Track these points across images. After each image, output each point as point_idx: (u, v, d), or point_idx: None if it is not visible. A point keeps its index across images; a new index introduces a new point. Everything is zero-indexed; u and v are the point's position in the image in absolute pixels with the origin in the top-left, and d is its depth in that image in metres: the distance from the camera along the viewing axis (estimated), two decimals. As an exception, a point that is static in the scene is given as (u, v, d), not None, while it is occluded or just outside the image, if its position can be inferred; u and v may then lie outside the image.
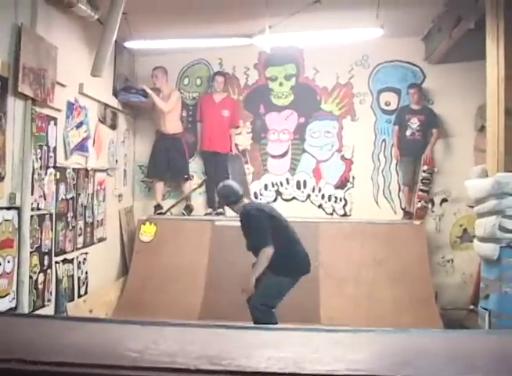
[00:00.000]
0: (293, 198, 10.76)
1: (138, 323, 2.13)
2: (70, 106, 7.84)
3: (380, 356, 1.82)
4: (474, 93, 9.06)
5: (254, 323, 7.06)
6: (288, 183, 10.77)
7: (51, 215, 7.23)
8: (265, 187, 10.79)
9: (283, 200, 10.76)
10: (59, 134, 7.48)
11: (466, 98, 9.68)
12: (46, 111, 7.01)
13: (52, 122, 7.22)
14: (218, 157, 10.52)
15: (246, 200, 7.87)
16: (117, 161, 9.88)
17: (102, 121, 9.16)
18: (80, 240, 8.25)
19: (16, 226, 6.29)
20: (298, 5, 7.98)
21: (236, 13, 8.60)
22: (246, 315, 7.37)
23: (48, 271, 7.19)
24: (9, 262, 6.14)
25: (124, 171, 10.42)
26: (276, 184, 10.79)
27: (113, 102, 9.61)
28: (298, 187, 10.75)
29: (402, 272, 9.15)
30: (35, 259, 6.77)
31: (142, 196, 10.98)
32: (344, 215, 10.63)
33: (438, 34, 9.12)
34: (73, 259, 8.03)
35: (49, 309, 7.23)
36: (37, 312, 6.82)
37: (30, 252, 6.57)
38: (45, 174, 7.02)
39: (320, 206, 10.70)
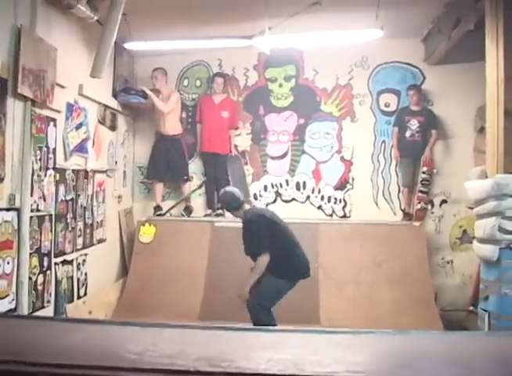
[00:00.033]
0: (293, 199, 10.76)
1: (138, 325, 2.13)
2: (70, 108, 7.84)
3: (380, 357, 1.82)
4: (473, 94, 9.06)
5: (253, 323, 7.21)
6: (288, 184, 10.77)
7: (50, 216, 7.22)
8: (265, 188, 10.79)
9: (283, 201, 10.76)
10: (59, 135, 7.48)
11: (466, 99, 9.68)
12: (46, 112, 7.00)
13: (52, 123, 7.21)
14: (217, 158, 10.52)
15: (247, 206, 7.97)
16: (116, 162, 9.88)
17: (102, 122, 9.16)
18: (79, 241, 8.25)
19: (16, 227, 6.29)
20: (298, 7, 7.98)
21: (236, 14, 8.60)
22: (245, 316, 7.40)
23: (48, 272, 7.19)
24: (8, 263, 6.13)
25: (124, 172, 10.42)
26: (276, 185, 10.79)
27: (113, 103, 9.61)
28: (298, 188, 10.75)
29: (401, 274, 9.15)
30: (35, 260, 6.77)
31: (141, 197, 10.98)
32: (344, 216, 10.63)
33: (437, 35, 9.13)
34: (72, 260, 8.02)
35: (49, 310, 7.22)
36: (37, 313, 6.81)
37: (30, 253, 6.56)
38: (45, 175, 7.02)
39: (320, 207, 10.70)
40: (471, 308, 8.40)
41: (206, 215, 10.58)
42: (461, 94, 9.78)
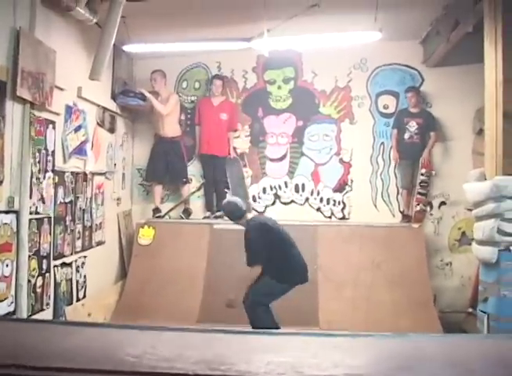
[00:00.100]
0: (292, 201, 10.76)
1: (137, 328, 2.14)
2: (69, 110, 7.83)
3: (379, 360, 1.82)
4: (472, 96, 9.07)
5: (251, 320, 7.45)
6: (286, 186, 10.78)
7: (49, 218, 7.21)
8: (264, 190, 10.79)
9: (282, 203, 10.76)
10: (58, 138, 7.47)
11: (465, 101, 9.70)
12: (45, 115, 7.00)
13: (51, 126, 7.21)
14: (216, 160, 10.52)
15: (250, 215, 8.10)
16: (115, 165, 9.87)
17: (101, 124, 9.15)
18: (78, 243, 8.24)
19: (15, 230, 6.28)
20: (297, 9, 7.98)
21: (235, 17, 8.61)
22: (244, 318, 7.45)
23: (47, 275, 7.18)
24: (7, 265, 6.13)
25: (123, 174, 10.42)
26: (275, 187, 10.79)
27: (112, 105, 9.60)
28: (297, 190, 10.75)
29: (400, 276, 9.15)
30: (34, 263, 6.76)
31: (140, 199, 10.98)
32: (343, 218, 10.63)
33: (436, 37, 9.14)
34: (71, 263, 8.01)
35: (48, 313, 7.21)
36: (36, 316, 6.81)
37: (29, 256, 6.55)
38: (44, 178, 7.01)
39: (319, 209, 10.70)
40: (470, 310, 8.40)
41: (205, 218, 10.58)
42: (460, 96, 9.80)
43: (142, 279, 9.52)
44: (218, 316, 8.30)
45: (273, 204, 10.75)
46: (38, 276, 6.91)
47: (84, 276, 8.46)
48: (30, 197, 6.58)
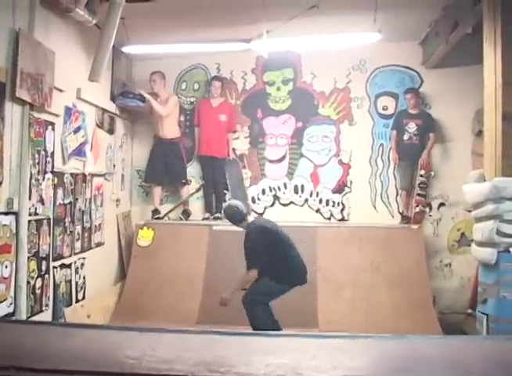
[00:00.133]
0: (291, 203, 10.76)
1: (136, 330, 2.13)
2: (68, 111, 7.83)
3: (378, 362, 1.82)
4: (471, 97, 9.08)
5: (249, 319, 7.55)
6: (286, 188, 10.77)
7: (49, 219, 7.21)
8: (263, 192, 10.79)
9: (281, 204, 10.76)
10: (57, 139, 7.47)
11: (464, 102, 9.69)
12: (44, 116, 7.00)
13: (50, 127, 7.21)
14: (215, 161, 10.52)
15: (250, 218, 8.20)
16: (114, 166, 9.87)
17: (100, 125, 9.15)
18: (78, 244, 8.24)
19: (14, 231, 6.28)
20: (296, 10, 7.98)
21: (234, 18, 8.61)
22: (244, 319, 7.45)
23: (46, 276, 7.17)
24: (6, 267, 6.12)
25: (122, 175, 10.41)
26: (274, 189, 10.79)
27: (111, 107, 9.60)
28: (296, 192, 10.75)
29: (399, 277, 9.15)
30: (33, 264, 6.75)
31: (139, 200, 10.97)
32: (342, 219, 10.63)
33: (435, 38, 9.14)
34: (70, 264, 8.01)
35: (47, 314, 7.21)
36: (35, 317, 6.80)
37: (28, 257, 6.55)
38: (43, 179, 7.01)
39: (318, 210, 10.70)
40: (469, 311, 8.40)
41: (204, 219, 10.57)
42: (459, 97, 9.80)
43: (141, 280, 9.52)
44: (218, 318, 8.30)
45: (272, 205, 10.75)
46: (37, 277, 6.91)
47: (84, 278, 8.46)
48: (30, 199, 6.58)
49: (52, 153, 7.29)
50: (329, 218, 10.67)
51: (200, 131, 10.66)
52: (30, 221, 6.58)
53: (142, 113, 10.44)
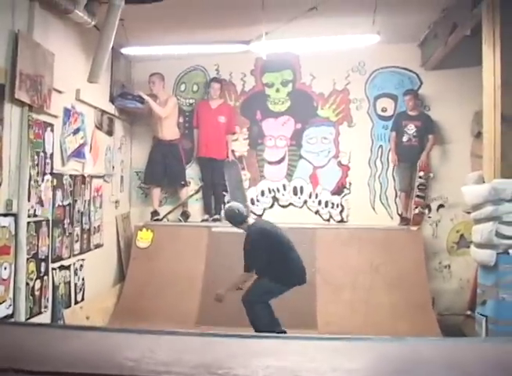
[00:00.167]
0: (290, 204, 10.76)
1: (135, 332, 2.13)
2: (67, 113, 7.84)
3: (377, 364, 1.82)
4: (470, 99, 9.07)
5: (249, 318, 7.65)
6: (285, 189, 10.77)
7: (48, 221, 7.22)
8: (262, 193, 10.79)
9: (280, 206, 10.76)
10: (56, 140, 7.47)
11: (463, 104, 9.70)
12: (43, 118, 7.00)
13: (49, 128, 7.21)
14: (214, 163, 10.52)
15: (251, 220, 8.25)
16: (113, 168, 9.87)
17: (99, 127, 9.15)
18: (77, 246, 8.24)
19: (13, 233, 6.28)
20: (295, 12, 7.98)
21: (233, 20, 8.61)
22: (243, 320, 7.47)
23: (45, 278, 7.18)
24: (5, 268, 6.13)
25: (121, 177, 10.42)
26: (273, 190, 10.79)
27: (110, 108, 9.61)
28: (295, 193, 10.75)
29: (398, 278, 9.15)
30: (32, 266, 6.76)
31: (138, 202, 10.97)
32: (341, 220, 10.63)
33: (434, 40, 9.14)
34: (69, 266, 8.01)
35: (46, 316, 7.21)
36: (34, 318, 6.80)
37: (27, 259, 6.55)
38: (42, 180, 7.01)
39: (317, 212, 10.70)
40: (469, 312, 8.39)
41: (203, 220, 10.57)
42: (458, 99, 9.80)
43: (140, 282, 9.52)
44: (217, 319, 8.34)
45: (271, 206, 10.75)
46: (36, 278, 6.91)
47: (83, 279, 8.46)
48: (29, 200, 6.59)
49: (51, 155, 7.29)
50: (328, 220, 10.67)
51: (199, 133, 10.65)
52: (29, 222, 6.59)
53: (141, 114, 10.44)
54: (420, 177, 9.96)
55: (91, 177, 8.77)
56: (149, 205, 10.73)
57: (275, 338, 2.36)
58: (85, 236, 8.56)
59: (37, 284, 6.93)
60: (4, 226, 6.10)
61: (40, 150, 6.93)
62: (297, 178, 10.74)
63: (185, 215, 10.59)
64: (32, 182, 6.68)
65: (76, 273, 8.24)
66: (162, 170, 10.37)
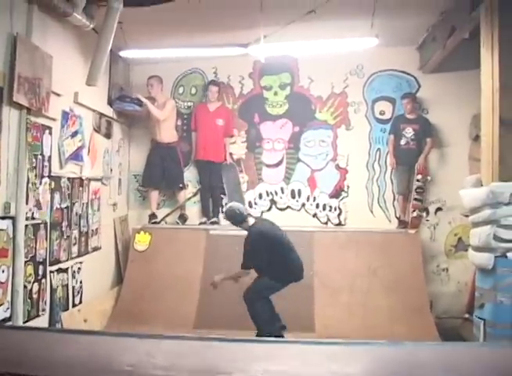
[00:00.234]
0: (288, 207, 10.75)
1: (133, 336, 2.13)
2: (65, 116, 7.83)
3: (375, 369, 1.82)
4: (468, 102, 9.09)
5: (250, 314, 7.79)
6: (283, 192, 10.77)
7: (45, 224, 7.20)
8: (260, 196, 10.78)
9: (278, 209, 10.75)
10: (54, 143, 7.46)
11: (461, 107, 9.70)
12: (41, 120, 6.99)
13: (47, 131, 7.20)
14: (212, 166, 10.52)
15: (251, 219, 8.30)
16: (111, 170, 9.86)
17: (97, 130, 9.15)
18: (74, 249, 8.23)
19: (11, 236, 6.27)
20: (293, 15, 7.98)
21: (231, 23, 8.60)
22: (241, 323, 7.49)
23: (43, 280, 7.17)
24: (3, 271, 6.12)
25: (119, 180, 10.40)
26: (271, 193, 10.78)
27: (108, 111, 9.60)
28: (293, 196, 10.74)
29: (396, 281, 9.14)
30: (30, 269, 6.75)
31: (136, 205, 10.97)
32: (339, 224, 10.63)
33: (432, 43, 9.15)
34: (67, 268, 8.00)
35: (44, 319, 7.20)
36: (32, 321, 6.80)
37: (25, 262, 6.55)
38: (40, 183, 7.01)
39: (315, 215, 10.70)
40: (467, 315, 8.39)
41: (201, 223, 10.57)
42: (456, 102, 9.80)
43: (138, 284, 9.50)
44: (215, 322, 8.35)
45: (269, 209, 10.74)
46: (34, 281, 6.90)
47: (81, 282, 8.45)
48: (27, 203, 6.58)
49: (49, 158, 7.29)
50: (326, 223, 10.67)
51: (197, 136, 10.66)
52: (27, 225, 6.58)
53: (140, 117, 10.43)
54: (418, 180, 9.96)
55: (89, 180, 8.76)
56: (147, 208, 10.72)
57: (274, 343, 2.36)
58: (83, 239, 8.55)
59: (35, 287, 6.93)
60: (2, 229, 6.10)
61: (38, 152, 6.92)
62: (295, 182, 10.74)
63: (183, 218, 10.59)
64: (30, 185, 6.68)
65: (74, 276, 8.23)
66: (160, 173, 10.36)
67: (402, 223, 10.17)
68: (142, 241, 9.94)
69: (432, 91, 10.24)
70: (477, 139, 8.97)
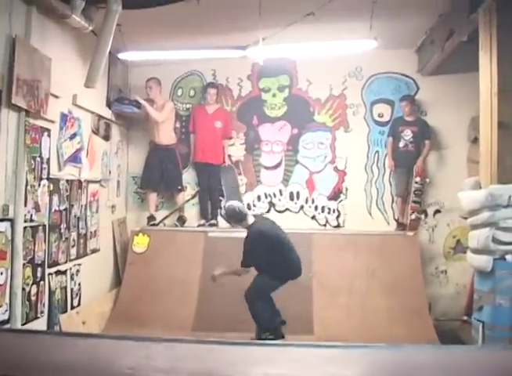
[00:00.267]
0: (287, 209, 10.76)
1: (133, 339, 2.12)
2: (64, 118, 7.83)
3: (374, 372, 1.82)
4: (467, 105, 9.11)
5: (251, 313, 7.85)
6: (281, 194, 10.77)
7: (44, 226, 7.20)
8: (258, 198, 10.79)
9: (276, 211, 10.75)
10: (53, 145, 7.46)
11: (460, 109, 9.72)
12: (40, 123, 6.99)
13: (46, 133, 7.20)
14: (211, 168, 10.52)
15: (251, 218, 8.29)
16: (110, 172, 9.86)
17: (96, 132, 9.15)
18: (73, 251, 8.22)
19: (9, 238, 6.26)
20: (292, 17, 7.99)
21: (230, 25, 8.61)
22: (239, 325, 7.49)
23: (41, 283, 7.16)
24: (1, 273, 6.11)
25: (118, 182, 10.40)
26: (269, 195, 10.79)
27: (107, 113, 9.60)
28: (291, 198, 10.75)
29: (395, 283, 9.14)
30: (28, 271, 6.74)
31: (135, 207, 10.96)
32: (338, 226, 10.63)
33: (431, 46, 9.16)
34: (66, 271, 8.00)
35: (42, 321, 7.19)
36: (30, 324, 6.78)
37: (23, 264, 6.54)
38: (39, 185, 7.00)
39: (313, 217, 10.70)
40: (465, 318, 8.40)
41: (199, 225, 10.57)
42: (455, 104, 9.82)
43: (136, 287, 9.50)
44: (214, 324, 8.34)
45: (268, 211, 10.73)
46: (33, 284, 6.89)
47: (79, 284, 8.45)
48: (25, 205, 6.58)
49: (48, 160, 7.28)
50: (324, 225, 10.68)
51: (196, 138, 10.66)
52: (25, 227, 6.58)
53: (138, 119, 10.44)
54: (417, 182, 9.96)
55: (88, 182, 8.76)
56: (145, 210, 10.72)
57: (274, 346, 2.35)
58: (82, 241, 8.55)
59: (34, 289, 6.92)
60: (0, 231, 6.09)
61: (36, 154, 6.92)
62: (294, 184, 10.74)
63: (182, 220, 10.59)
64: (29, 187, 6.67)
65: (72, 278, 8.22)
66: (159, 175, 10.36)
67: (401, 225, 10.18)
68: (140, 243, 9.94)
69: (431, 93, 10.26)
70: (475, 141, 8.98)
